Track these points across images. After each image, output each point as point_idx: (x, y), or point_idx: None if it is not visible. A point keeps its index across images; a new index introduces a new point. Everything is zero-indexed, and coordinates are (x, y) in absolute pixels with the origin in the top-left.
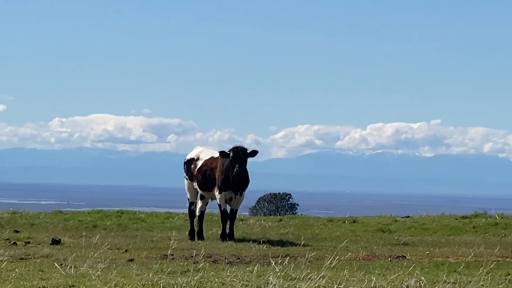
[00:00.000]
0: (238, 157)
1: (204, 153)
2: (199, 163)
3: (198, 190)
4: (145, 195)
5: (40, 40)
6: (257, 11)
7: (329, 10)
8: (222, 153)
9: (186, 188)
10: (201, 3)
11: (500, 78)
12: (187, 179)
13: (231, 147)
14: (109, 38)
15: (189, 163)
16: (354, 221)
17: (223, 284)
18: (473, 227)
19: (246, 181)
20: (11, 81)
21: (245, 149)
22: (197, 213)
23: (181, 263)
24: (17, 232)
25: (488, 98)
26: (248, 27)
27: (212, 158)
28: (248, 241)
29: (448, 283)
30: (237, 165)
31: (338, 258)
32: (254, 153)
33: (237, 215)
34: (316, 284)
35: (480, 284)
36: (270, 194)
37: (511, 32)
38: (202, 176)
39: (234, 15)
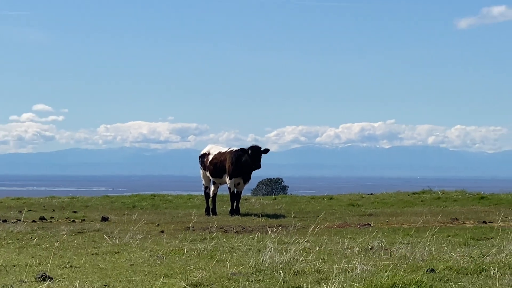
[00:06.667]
0: (257, 154)
1: (214, 149)
2: (210, 157)
3: (210, 177)
4: (172, 182)
5: (85, 63)
6: (254, 37)
7: (309, 32)
8: (242, 150)
9: (201, 176)
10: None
11: (440, 84)
12: (201, 169)
13: (240, 146)
14: (140, 61)
15: (203, 157)
16: (331, 198)
17: (232, 248)
18: (421, 201)
19: (251, 173)
20: (65, 98)
21: (260, 148)
22: (211, 195)
23: (200, 233)
24: (75, 212)
25: (430, 101)
26: (251, 53)
27: (219, 152)
28: (251, 215)
29: (403, 243)
30: (255, 161)
31: (319, 227)
32: (266, 151)
33: (241, 196)
34: (303, 247)
35: (427, 244)
36: (267, 179)
37: (446, 43)
38: (213, 166)
39: (236, 44)
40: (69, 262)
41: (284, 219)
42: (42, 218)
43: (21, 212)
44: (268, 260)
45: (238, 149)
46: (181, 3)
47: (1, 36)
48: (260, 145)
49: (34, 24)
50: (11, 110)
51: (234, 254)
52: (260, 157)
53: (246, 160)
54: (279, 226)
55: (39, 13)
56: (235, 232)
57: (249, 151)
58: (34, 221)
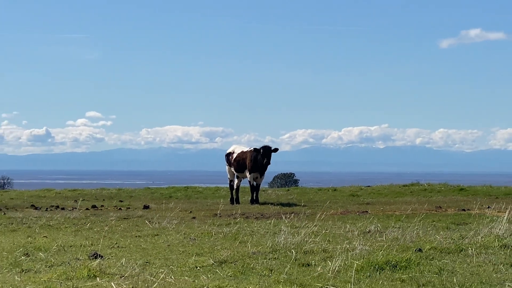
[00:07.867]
0: (267, 153)
1: (237, 149)
2: (234, 155)
3: (234, 172)
4: (202, 176)
5: (130, 76)
6: (271, 52)
7: (318, 53)
8: (255, 149)
9: (227, 171)
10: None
11: (426, 94)
12: (227, 165)
13: (261, 146)
14: (176, 75)
15: (228, 155)
16: (334, 190)
17: (252, 232)
18: (410, 192)
19: (266, 168)
20: (113, 106)
21: (271, 147)
22: (235, 187)
23: (226, 219)
24: (121, 201)
25: (418, 109)
26: (269, 70)
27: (242, 152)
28: (268, 204)
29: (395, 227)
30: (265, 158)
31: (325, 213)
32: (276, 150)
33: (260, 187)
34: (311, 230)
35: (415, 228)
36: (281, 173)
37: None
38: (237, 163)
39: (257, 59)
40: (116, 243)
41: (296, 207)
42: (94, 206)
43: (76, 201)
44: (282, 241)
45: (254, 149)
46: (211, 28)
47: (62, 55)
48: (271, 145)
49: (88, 44)
50: (68, 116)
51: (254, 236)
52: (270, 155)
53: (261, 158)
54: (292, 213)
55: (92, 36)
56: (255, 218)
57: (261, 150)
58: (87, 209)
